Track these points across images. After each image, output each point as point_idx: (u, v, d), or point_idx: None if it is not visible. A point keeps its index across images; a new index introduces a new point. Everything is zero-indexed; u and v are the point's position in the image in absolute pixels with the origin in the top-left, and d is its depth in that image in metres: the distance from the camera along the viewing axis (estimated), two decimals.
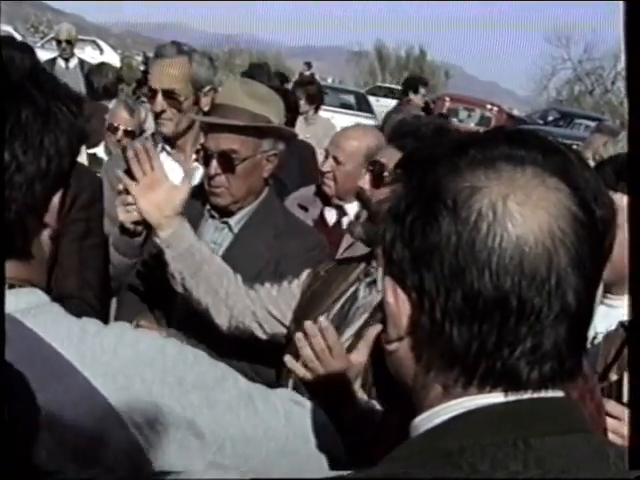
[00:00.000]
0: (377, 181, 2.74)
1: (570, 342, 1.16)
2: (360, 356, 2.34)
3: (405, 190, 1.23)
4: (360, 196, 2.82)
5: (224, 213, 3.47)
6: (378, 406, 2.35)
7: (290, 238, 3.38)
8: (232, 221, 3.47)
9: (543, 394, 1.17)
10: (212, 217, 3.51)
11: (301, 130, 7.31)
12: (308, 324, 2.31)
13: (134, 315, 3.40)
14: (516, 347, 1.14)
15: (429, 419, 1.20)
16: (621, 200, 2.70)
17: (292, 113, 6.26)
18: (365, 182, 2.78)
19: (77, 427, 1.47)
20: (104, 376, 1.51)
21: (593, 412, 1.78)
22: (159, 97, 4.26)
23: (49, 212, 1.55)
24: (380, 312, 2.60)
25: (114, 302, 3.71)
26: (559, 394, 1.19)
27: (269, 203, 3.53)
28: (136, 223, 3.26)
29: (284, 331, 3.00)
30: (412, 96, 11.51)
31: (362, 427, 2.12)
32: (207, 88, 4.38)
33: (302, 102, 8.78)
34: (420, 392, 1.23)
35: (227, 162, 3.35)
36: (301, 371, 2.31)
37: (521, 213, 1.13)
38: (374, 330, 2.37)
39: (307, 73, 28.48)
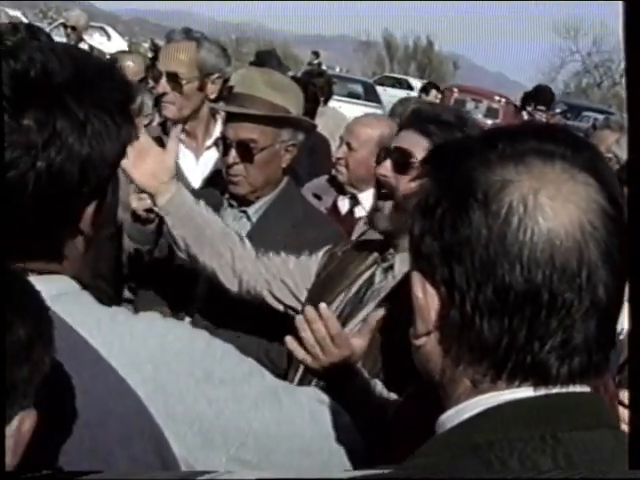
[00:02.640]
0: (403, 168, 2.71)
1: (599, 337, 1.16)
2: (362, 340, 2.33)
3: (434, 183, 1.23)
4: (383, 185, 2.78)
5: (242, 202, 3.48)
6: (391, 394, 2.35)
7: (308, 228, 3.38)
8: (250, 210, 3.47)
9: (571, 389, 1.17)
10: (231, 206, 3.51)
11: None
12: (308, 309, 2.30)
13: (150, 304, 3.42)
14: (546, 341, 1.14)
15: (457, 414, 1.20)
16: None
17: (311, 104, 6.27)
18: (387, 169, 2.75)
19: (102, 415, 1.47)
20: (131, 365, 1.51)
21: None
22: (163, 79, 4.29)
23: (83, 221, 1.54)
24: (389, 299, 2.61)
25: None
26: (586, 389, 1.19)
27: (288, 193, 3.53)
28: (148, 211, 3.27)
29: (297, 305, 2.97)
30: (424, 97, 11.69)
31: (373, 412, 2.12)
32: (215, 75, 4.39)
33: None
34: (448, 387, 1.23)
35: (246, 151, 3.35)
36: (301, 354, 2.31)
37: (552, 207, 1.14)
38: (377, 314, 2.37)
39: (315, 62, 28.47)
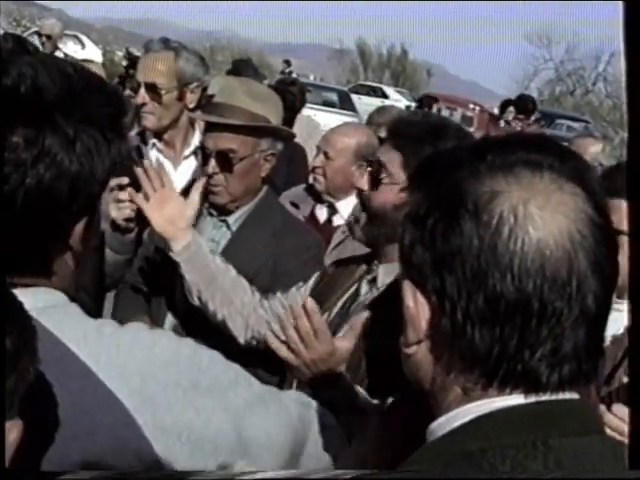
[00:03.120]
0: (376, 182, 2.74)
1: (588, 345, 1.18)
2: (346, 342, 2.35)
3: (424, 194, 1.24)
4: (359, 197, 2.83)
5: (222, 211, 3.48)
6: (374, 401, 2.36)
7: (288, 237, 3.39)
8: (230, 219, 3.48)
9: (561, 396, 1.19)
10: (210, 215, 3.51)
11: None
12: (294, 305, 2.32)
13: (130, 313, 3.41)
14: (537, 349, 1.15)
15: (449, 422, 1.22)
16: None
17: (289, 112, 6.28)
18: (364, 183, 2.79)
19: (91, 427, 1.47)
20: (119, 378, 1.51)
21: None
22: (142, 90, 4.30)
23: (73, 237, 1.54)
24: (373, 307, 2.62)
25: (110, 298, 3.71)
26: (575, 396, 1.21)
27: (267, 202, 3.54)
28: (128, 220, 3.27)
29: None
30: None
31: (355, 416, 2.13)
32: (194, 85, 4.39)
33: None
34: (439, 395, 1.25)
35: (225, 161, 3.36)
36: (284, 352, 2.32)
37: (541, 217, 1.15)
38: (361, 317, 2.39)
39: (287, 71, 28.51)
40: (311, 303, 2.31)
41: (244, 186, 3.43)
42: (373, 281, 2.78)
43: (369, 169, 2.80)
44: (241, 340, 3.07)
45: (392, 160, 2.70)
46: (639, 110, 1.20)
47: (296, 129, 8.03)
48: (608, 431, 2.24)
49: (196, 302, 3.11)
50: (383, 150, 2.80)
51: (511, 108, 13.22)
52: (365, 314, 2.44)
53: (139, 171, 3.10)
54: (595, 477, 1.14)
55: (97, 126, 1.51)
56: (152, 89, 4.28)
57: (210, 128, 3.44)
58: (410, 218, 1.24)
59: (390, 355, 1.79)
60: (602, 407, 2.37)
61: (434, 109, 14.23)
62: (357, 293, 2.83)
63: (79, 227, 1.54)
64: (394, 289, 2.58)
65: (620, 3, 1.20)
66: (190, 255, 3.05)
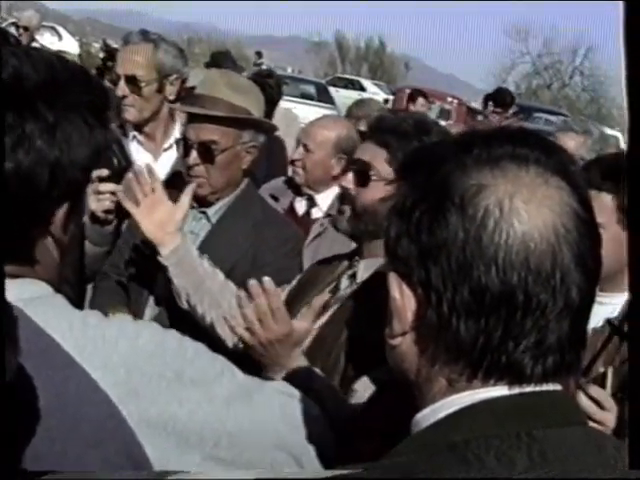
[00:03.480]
0: (363, 180, 2.75)
1: (572, 337, 1.19)
2: (304, 322, 2.36)
3: (410, 187, 1.25)
4: (345, 196, 2.83)
5: (202, 203, 3.48)
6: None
7: (267, 229, 3.40)
8: (210, 211, 3.48)
9: (545, 387, 1.20)
10: (190, 207, 3.50)
11: None
12: (252, 283, 2.33)
13: (108, 302, 3.41)
14: (521, 341, 1.16)
15: (433, 413, 1.23)
16: (607, 200, 2.78)
17: (268, 105, 6.29)
18: (349, 182, 2.79)
19: (74, 418, 1.48)
20: (104, 369, 1.51)
21: None
22: (121, 82, 4.28)
23: (54, 224, 1.54)
24: (351, 300, 2.64)
25: (89, 289, 3.71)
26: (558, 387, 1.22)
27: (247, 194, 3.54)
28: (107, 212, 3.27)
29: None
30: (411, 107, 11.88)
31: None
32: (173, 77, 4.39)
33: None
34: (423, 386, 1.26)
35: (207, 152, 3.36)
36: (240, 330, 2.33)
37: (526, 211, 1.16)
38: (321, 298, 2.41)
39: (259, 62, 28.49)
40: (269, 283, 2.32)
41: (225, 178, 3.43)
42: (353, 276, 2.79)
43: (353, 167, 2.81)
44: (229, 343, 3.07)
45: (378, 157, 2.71)
46: (639, 110, 1.21)
47: (274, 121, 8.05)
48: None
49: (185, 305, 3.11)
50: (367, 147, 2.80)
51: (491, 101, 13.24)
52: (324, 295, 2.46)
53: (129, 176, 3.11)
54: (596, 477, 1.15)
55: (79, 114, 1.51)
56: (132, 81, 4.26)
57: (192, 119, 3.44)
58: (396, 211, 1.25)
59: (368, 345, 1.80)
60: (579, 393, 2.40)
61: (404, 101, 14.19)
62: (337, 288, 2.84)
63: (60, 213, 1.54)
64: (373, 282, 2.60)
65: (620, 3, 1.21)
66: (178, 259, 3.05)
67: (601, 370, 2.59)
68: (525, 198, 1.17)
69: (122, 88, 4.27)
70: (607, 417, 2.41)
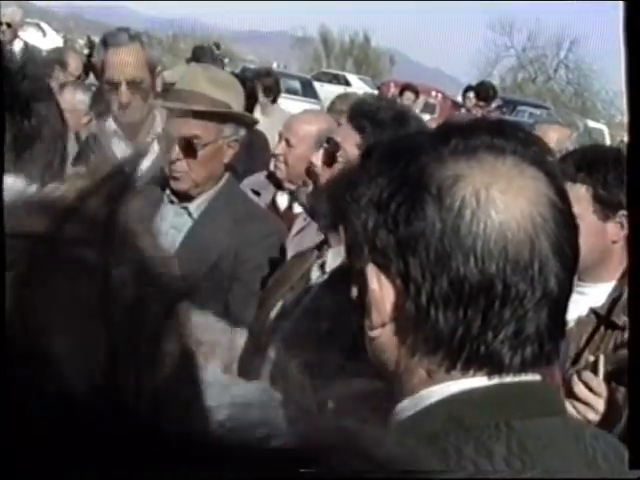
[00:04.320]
0: (329, 159, 2.76)
1: (550, 327, 1.20)
2: None
3: (387, 178, 1.25)
4: (309, 170, 2.84)
5: (184, 198, 3.47)
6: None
7: (249, 224, 3.40)
8: (192, 206, 3.46)
9: (523, 377, 1.20)
10: (171, 202, 3.49)
11: (260, 122, 7.36)
12: None
13: None
14: (500, 331, 1.17)
15: (413, 404, 1.23)
16: (581, 191, 2.79)
17: (250, 100, 6.28)
18: (317, 158, 2.80)
19: None
20: None
21: None
22: (123, 88, 4.15)
23: None
24: (320, 291, 2.64)
25: None
26: (537, 377, 1.23)
27: (229, 189, 3.54)
28: None
29: None
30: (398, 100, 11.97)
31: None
32: (159, 69, 4.36)
33: (259, 94, 8.83)
34: (403, 377, 1.25)
35: (189, 147, 3.35)
36: None
37: (504, 200, 1.17)
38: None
39: (216, 53, 28.42)
40: None
41: (207, 172, 3.42)
42: (322, 266, 2.79)
43: (325, 145, 2.82)
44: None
45: (350, 139, 2.71)
46: (639, 110, 1.21)
47: (270, 120, 8.06)
48: (577, 405, 2.32)
49: None
50: (342, 129, 2.81)
51: (472, 94, 13.33)
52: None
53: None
54: (597, 477, 1.15)
55: None
56: (134, 85, 4.20)
57: (172, 115, 3.44)
58: (373, 202, 1.25)
59: (339, 336, 1.80)
60: (574, 378, 2.43)
61: (388, 95, 14.21)
62: (308, 278, 2.84)
63: None
64: (338, 273, 2.60)
65: (620, 3, 1.21)
66: None
67: (590, 359, 2.61)
68: (502, 188, 1.17)
69: (126, 94, 4.16)
70: (600, 402, 2.43)
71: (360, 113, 2.78)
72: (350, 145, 2.71)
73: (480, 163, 1.19)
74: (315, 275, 2.82)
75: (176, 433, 0.43)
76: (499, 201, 1.16)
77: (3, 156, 1.40)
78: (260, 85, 8.95)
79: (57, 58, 8.10)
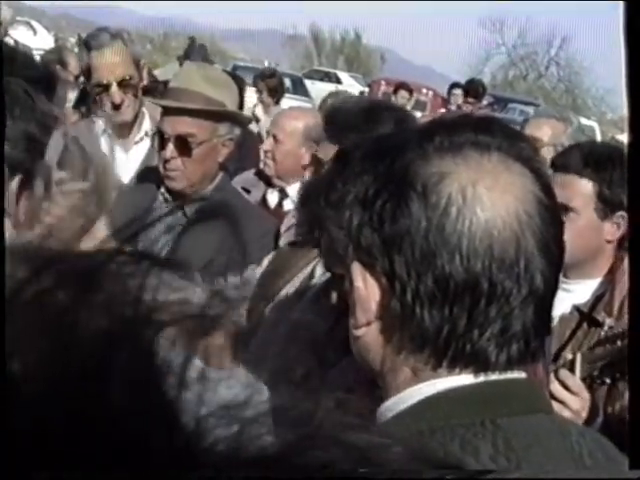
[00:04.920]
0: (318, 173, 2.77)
1: (536, 324, 1.19)
2: None
3: (372, 176, 1.24)
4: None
5: (178, 197, 3.47)
6: None
7: (244, 223, 3.39)
8: (186, 205, 3.45)
9: (509, 375, 1.20)
10: (166, 201, 3.49)
11: (263, 121, 7.40)
12: None
13: None
14: (486, 329, 1.16)
15: (399, 402, 1.22)
16: (586, 187, 2.78)
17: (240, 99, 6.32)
18: (309, 172, 2.82)
19: None
20: None
21: None
22: (114, 88, 4.16)
23: (5, 198, 1.52)
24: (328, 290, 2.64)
25: None
26: (523, 375, 1.22)
27: (223, 188, 3.53)
28: None
29: None
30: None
31: None
32: (142, 62, 4.37)
33: (264, 94, 8.90)
34: (388, 376, 1.25)
35: (183, 146, 3.34)
36: None
37: (490, 198, 1.16)
38: None
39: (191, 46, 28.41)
40: None
41: (202, 171, 3.42)
42: None
43: (311, 168, 2.83)
44: None
45: (329, 154, 2.72)
46: (639, 111, 1.20)
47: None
48: (554, 404, 2.32)
49: None
50: (322, 147, 2.82)
51: (458, 90, 13.38)
52: None
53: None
54: (598, 477, 1.15)
55: (20, 86, 1.50)
56: (125, 84, 4.19)
57: (167, 113, 3.43)
58: (358, 200, 1.24)
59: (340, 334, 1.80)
60: (550, 376, 2.44)
61: (379, 93, 14.32)
62: (312, 274, 2.83)
63: (12, 186, 1.53)
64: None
65: (620, 3, 1.20)
66: None
67: (569, 357, 2.61)
68: (488, 185, 1.17)
69: (118, 94, 4.17)
70: (576, 401, 2.43)
71: (331, 121, 2.78)
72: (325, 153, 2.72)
73: (465, 160, 1.19)
74: (319, 272, 2.82)
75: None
76: (485, 198, 1.16)
77: (3, 156, 1.39)
78: (265, 86, 9.02)
79: (57, 58, 8.11)
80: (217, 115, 3.39)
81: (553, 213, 1.22)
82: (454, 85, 14.08)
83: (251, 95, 9.34)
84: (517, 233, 1.16)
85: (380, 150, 1.27)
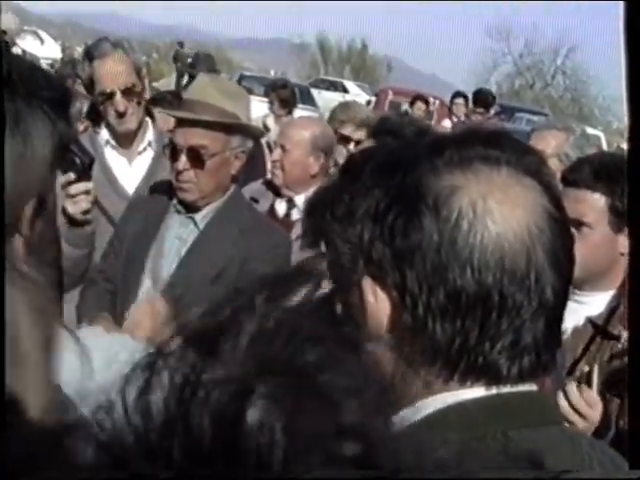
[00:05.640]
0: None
1: (547, 337, 1.20)
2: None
3: (383, 190, 1.25)
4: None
5: (190, 208, 3.47)
6: None
7: (256, 235, 3.40)
8: (198, 217, 3.46)
9: (520, 388, 1.21)
10: (178, 212, 3.50)
11: (274, 132, 7.43)
12: None
13: (94, 310, 3.40)
14: (497, 342, 1.17)
15: (412, 413, 1.22)
16: (599, 201, 2.77)
17: None
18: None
19: None
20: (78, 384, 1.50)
21: None
22: (118, 97, 4.16)
23: (21, 221, 1.52)
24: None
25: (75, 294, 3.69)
26: (534, 387, 1.23)
27: (236, 200, 3.54)
28: (85, 213, 3.26)
29: None
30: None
31: None
32: (144, 70, 4.38)
33: (275, 106, 8.94)
34: (399, 389, 1.25)
35: (196, 157, 3.35)
36: None
37: (500, 211, 1.17)
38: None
39: (181, 51, 28.56)
40: None
41: (214, 183, 3.42)
42: None
43: None
44: None
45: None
46: (639, 112, 1.21)
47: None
48: (569, 414, 2.32)
49: None
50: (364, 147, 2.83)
51: (460, 99, 13.40)
52: None
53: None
54: (600, 477, 1.15)
55: (40, 108, 1.50)
56: (129, 92, 4.19)
57: (180, 124, 3.43)
58: (369, 215, 1.25)
59: None
60: (568, 388, 2.43)
61: (386, 102, 14.37)
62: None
63: (27, 210, 1.53)
64: None
65: (620, 3, 1.21)
66: None
67: (585, 369, 2.61)
68: (498, 199, 1.18)
69: (122, 102, 4.17)
70: (593, 414, 2.43)
71: (384, 130, 2.79)
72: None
73: (475, 174, 1.20)
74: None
75: None
76: (496, 212, 1.17)
77: (3, 156, 1.40)
78: (276, 97, 9.04)
79: (72, 71, 8.15)
80: (230, 127, 3.39)
81: (563, 226, 1.23)
82: (457, 94, 14.11)
83: (259, 105, 9.36)
84: (528, 246, 1.17)
85: (391, 164, 1.28)
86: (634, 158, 1.18)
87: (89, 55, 4.31)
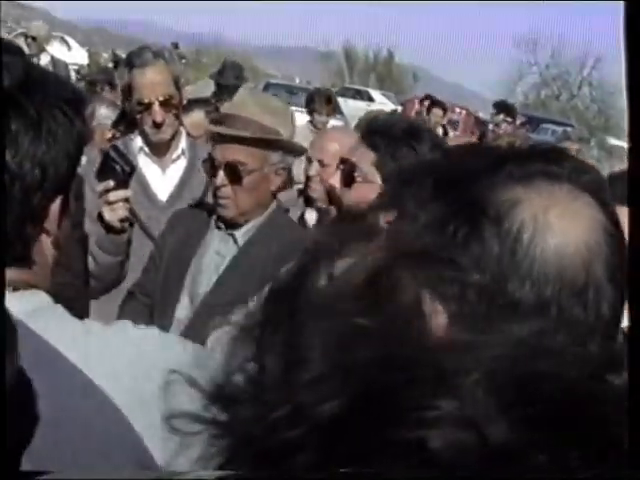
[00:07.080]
0: (348, 180, 2.77)
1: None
2: None
3: (442, 202, 1.26)
4: (330, 194, 2.85)
5: (230, 225, 3.45)
6: None
7: (295, 255, 3.37)
8: (238, 233, 3.44)
9: None
10: (218, 228, 3.49)
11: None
12: None
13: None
14: None
15: None
16: None
17: None
18: (336, 180, 2.82)
19: (83, 429, 1.48)
20: (108, 377, 1.52)
21: None
22: (156, 107, 4.19)
23: (49, 219, 1.55)
24: None
25: (103, 300, 3.71)
26: None
27: (276, 217, 3.52)
28: (122, 220, 3.28)
29: None
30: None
31: None
32: (182, 81, 4.40)
33: (319, 114, 9.27)
34: None
35: (234, 173, 3.32)
36: None
37: (560, 225, 1.18)
38: None
39: (177, 51, 28.67)
40: None
41: (253, 200, 3.40)
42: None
43: (341, 167, 2.83)
44: None
45: (365, 158, 2.73)
46: (639, 112, 1.21)
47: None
48: None
49: None
50: (356, 148, 2.83)
51: (501, 116, 13.42)
52: None
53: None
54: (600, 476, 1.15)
55: (59, 108, 1.53)
56: (166, 104, 4.22)
57: (219, 139, 3.41)
58: (427, 227, 1.25)
59: None
60: None
61: (412, 112, 14.36)
62: None
63: (53, 208, 1.56)
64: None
65: (620, 3, 1.21)
66: None
67: None
68: (558, 213, 1.18)
69: (160, 113, 4.21)
70: None
71: (372, 131, 2.80)
72: (366, 163, 2.73)
73: (536, 189, 1.21)
74: None
75: None
76: (556, 226, 1.18)
77: (4, 155, 1.41)
78: (323, 106, 9.26)
79: (107, 78, 8.22)
80: (269, 143, 3.36)
81: (619, 242, 1.23)
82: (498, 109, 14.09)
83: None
84: (586, 261, 1.18)
85: (452, 177, 1.29)
86: (634, 158, 1.19)
87: (129, 63, 4.34)
